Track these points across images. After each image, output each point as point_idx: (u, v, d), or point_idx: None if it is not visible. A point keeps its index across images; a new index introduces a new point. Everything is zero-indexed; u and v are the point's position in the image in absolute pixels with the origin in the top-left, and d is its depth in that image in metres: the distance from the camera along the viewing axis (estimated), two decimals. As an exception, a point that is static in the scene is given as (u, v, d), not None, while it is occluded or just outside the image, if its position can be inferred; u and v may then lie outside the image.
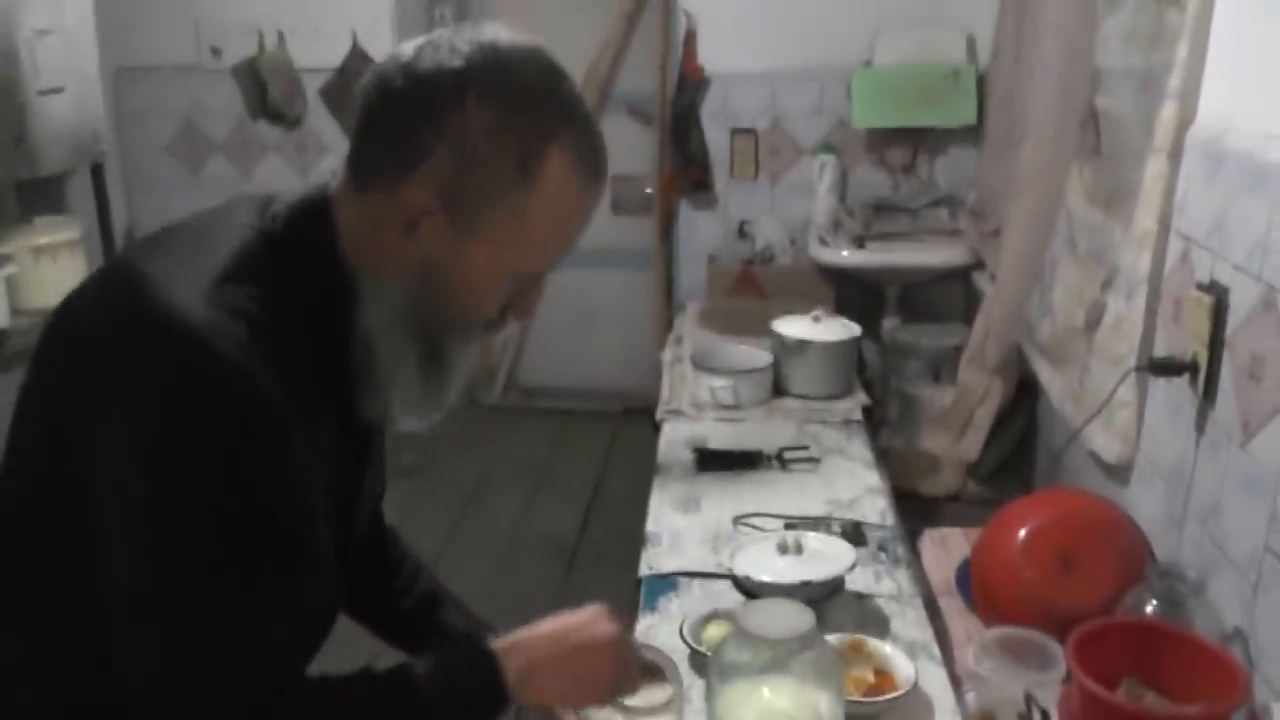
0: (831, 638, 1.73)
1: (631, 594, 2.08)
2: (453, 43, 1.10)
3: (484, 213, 1.10)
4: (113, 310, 1.08)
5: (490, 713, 1.21)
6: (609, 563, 3.52)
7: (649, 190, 4.80)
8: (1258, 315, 1.80)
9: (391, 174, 1.09)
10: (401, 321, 1.13)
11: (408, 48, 1.12)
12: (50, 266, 3.60)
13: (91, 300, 1.13)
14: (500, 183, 1.09)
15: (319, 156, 4.90)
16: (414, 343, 1.15)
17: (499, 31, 1.12)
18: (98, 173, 4.13)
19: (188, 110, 4.97)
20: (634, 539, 2.27)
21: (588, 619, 1.29)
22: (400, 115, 1.09)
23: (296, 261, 1.12)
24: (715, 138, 4.58)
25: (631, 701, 1.34)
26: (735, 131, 4.58)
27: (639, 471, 2.68)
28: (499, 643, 1.24)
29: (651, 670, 1.35)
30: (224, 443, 1.03)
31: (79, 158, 3.95)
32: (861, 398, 2.95)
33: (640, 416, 4.38)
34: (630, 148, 4.71)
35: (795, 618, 1.44)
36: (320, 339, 1.13)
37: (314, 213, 1.14)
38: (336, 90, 4.78)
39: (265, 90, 4.80)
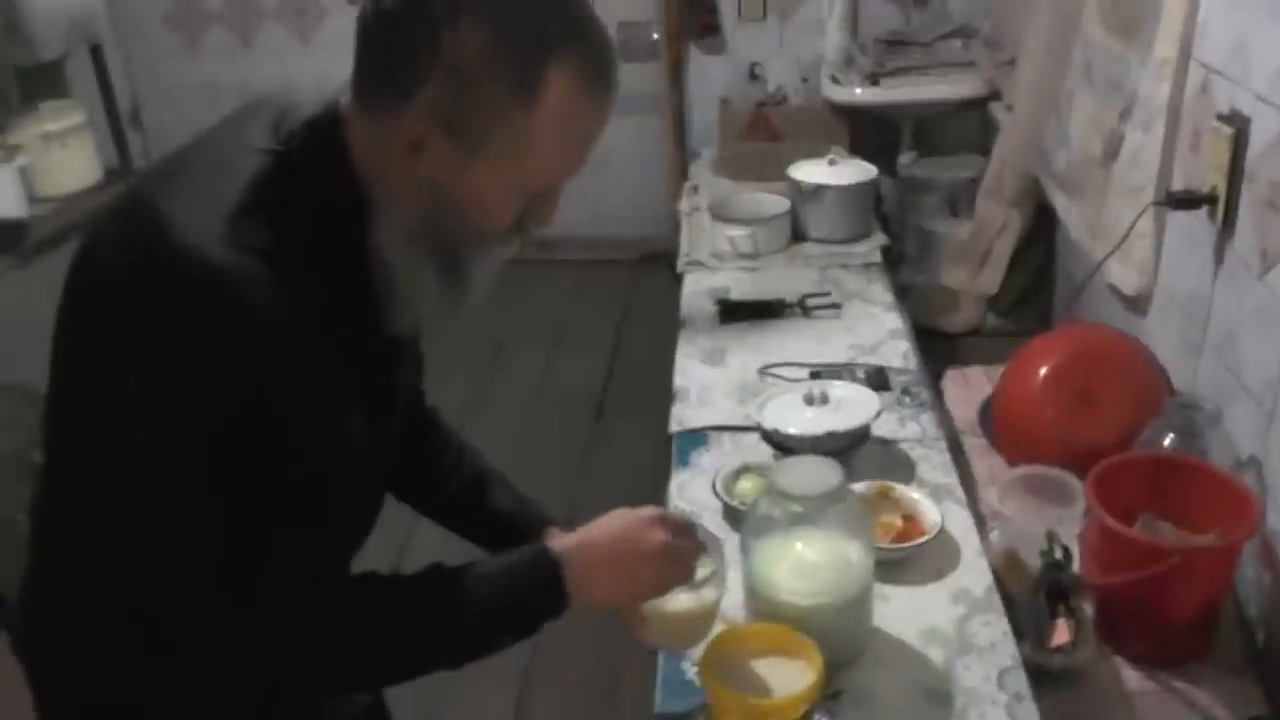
0: (859, 486, 1.79)
1: (662, 447, 2.14)
2: None
3: (486, 132, 1.09)
4: (134, 257, 1.09)
5: (549, 615, 1.25)
6: (635, 414, 3.58)
7: (656, 36, 4.72)
8: (1278, 145, 1.80)
9: (393, 97, 1.08)
10: (416, 238, 1.14)
11: None
12: (60, 152, 3.60)
13: (112, 244, 1.14)
14: (499, 102, 1.07)
15: (319, 21, 4.82)
16: (430, 258, 1.16)
17: None
18: (97, 54, 4.09)
19: (182, -20, 4.89)
20: (659, 389, 2.31)
21: (644, 525, 1.31)
22: (396, 38, 1.08)
23: (312, 184, 1.12)
24: (721, -22, 4.49)
25: None
26: (742, -30, 4.49)
27: (660, 320, 2.70)
28: (560, 545, 1.27)
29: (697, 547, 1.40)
30: (250, 384, 1.04)
31: (77, 40, 3.91)
32: (880, 239, 2.95)
33: (657, 264, 4.40)
34: (635, -8, 4.61)
35: (825, 474, 1.49)
36: (341, 259, 1.13)
37: (327, 132, 1.13)
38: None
39: (260, -48, 4.72)
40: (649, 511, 1.33)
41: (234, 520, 1.08)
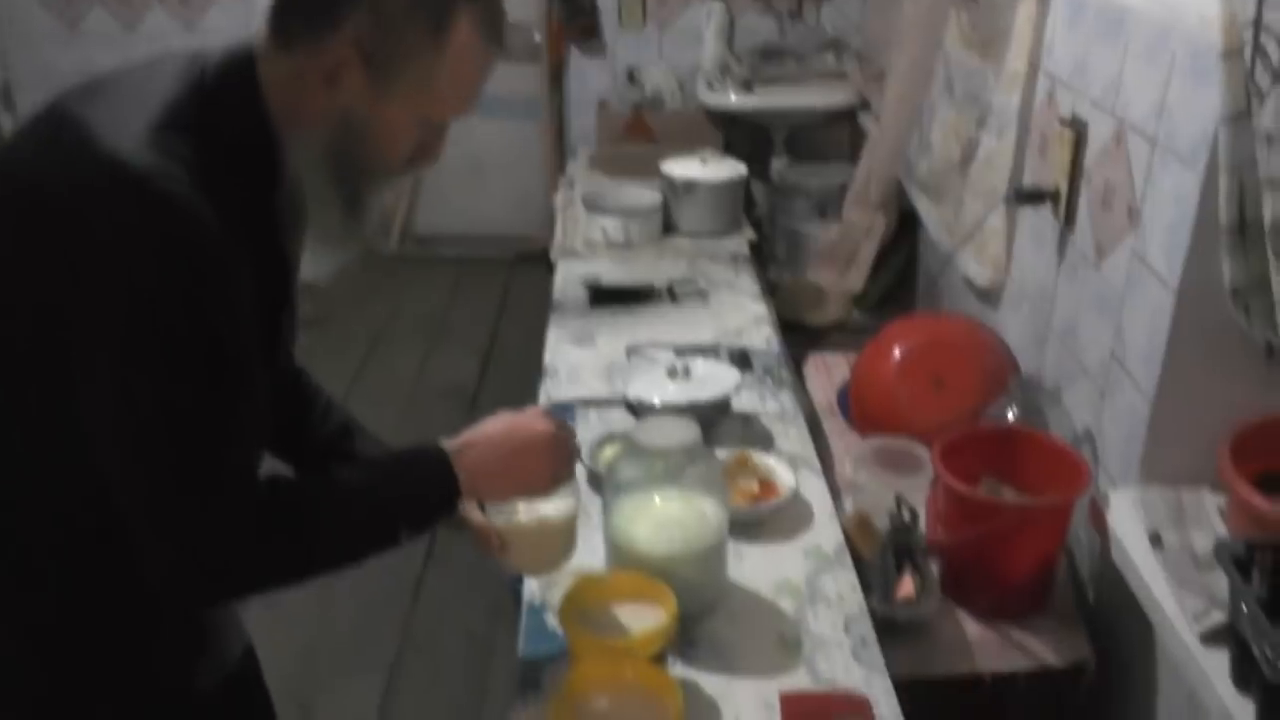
0: (719, 453, 1.86)
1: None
2: None
3: (400, 67, 1.18)
4: (57, 160, 1.12)
5: (443, 509, 1.33)
6: (509, 404, 3.60)
7: (538, 38, 4.78)
8: (1110, 149, 1.93)
9: (315, 32, 1.16)
10: (324, 167, 1.22)
11: None
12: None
13: (30, 151, 1.17)
14: (415, 41, 1.18)
15: (205, 8, 4.76)
16: (335, 185, 1.23)
17: None
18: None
19: (62, -41, 4.79)
20: (531, 382, 2.35)
21: (528, 419, 1.39)
22: None
23: (225, 113, 1.18)
24: (603, -13, 4.57)
25: None
26: (623, -20, 4.58)
27: (535, 317, 2.75)
28: (450, 443, 1.34)
29: None
30: (183, 278, 1.09)
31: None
32: (749, 234, 3.05)
33: (534, 262, 4.45)
34: (518, -4, 4.68)
35: (682, 431, 1.55)
36: (247, 186, 1.19)
37: (240, 68, 1.20)
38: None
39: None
40: (531, 409, 1.42)
41: (175, 417, 1.12)
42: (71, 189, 1.10)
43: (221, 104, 1.18)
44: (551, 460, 1.38)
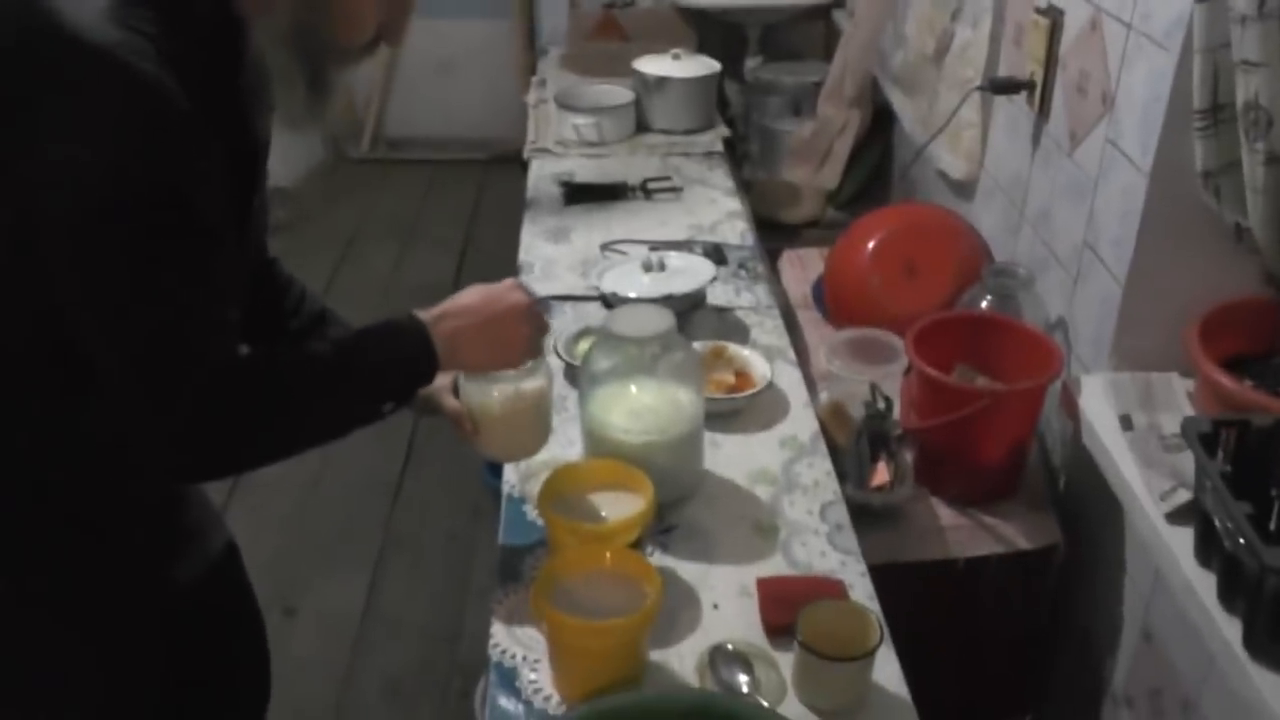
0: (695, 346, 1.87)
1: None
2: None
3: None
4: (18, 35, 1.10)
5: (422, 377, 1.33)
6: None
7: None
8: (1085, 35, 1.92)
9: None
10: (288, 45, 1.19)
11: None
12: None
13: None
14: None
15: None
16: (299, 62, 1.21)
17: None
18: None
19: None
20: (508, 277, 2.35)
21: (503, 289, 1.40)
22: None
23: None
24: (570, -123, 4.46)
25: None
26: None
27: (509, 217, 2.74)
28: (426, 314, 1.34)
29: None
30: (153, 150, 1.08)
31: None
32: (722, 130, 3.02)
33: (507, 164, 4.42)
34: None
35: (657, 318, 1.56)
36: (212, 66, 1.18)
37: None
38: None
39: None
40: (505, 281, 1.42)
41: (149, 285, 1.12)
42: (33, 65, 1.08)
43: None
44: (526, 330, 1.39)
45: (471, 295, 1.39)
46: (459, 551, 2.90)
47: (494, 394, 1.44)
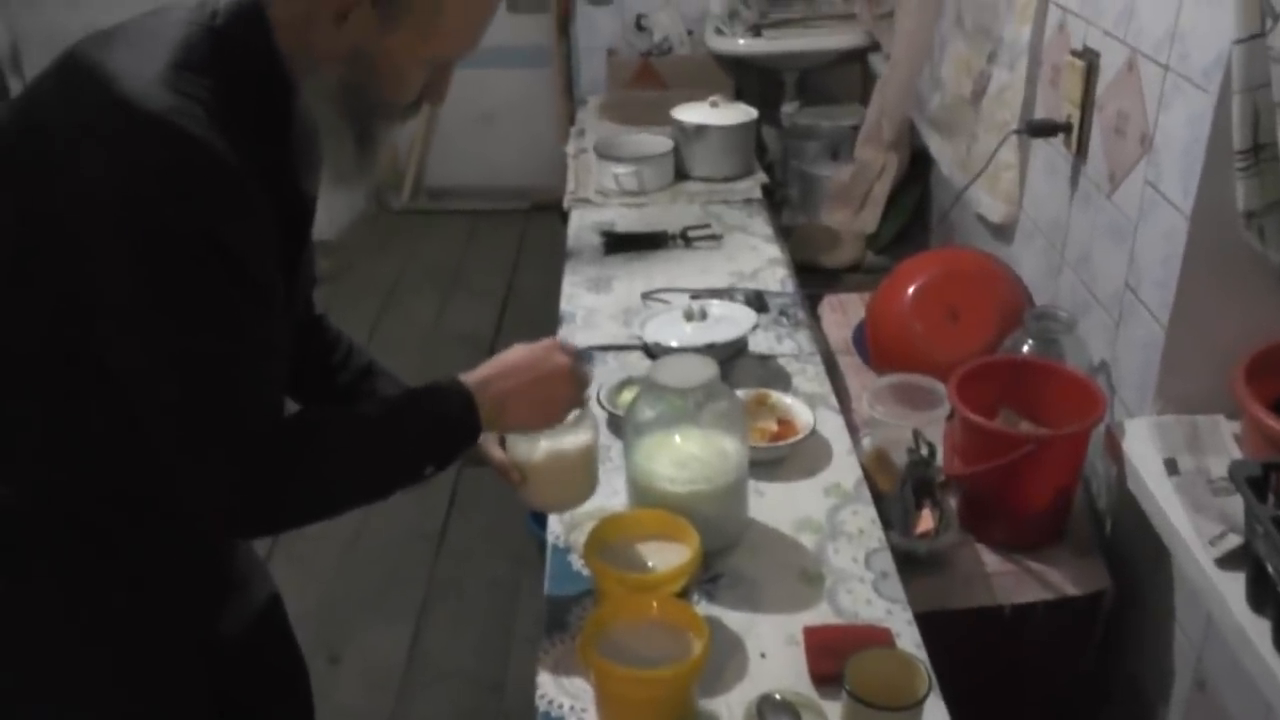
0: (738, 393, 1.87)
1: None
2: None
3: (407, 8, 1.20)
4: (78, 101, 1.15)
5: (465, 442, 1.36)
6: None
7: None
8: (1123, 76, 1.92)
9: None
10: (336, 103, 1.24)
11: None
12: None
13: (47, 97, 1.19)
14: None
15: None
16: (348, 120, 1.25)
17: None
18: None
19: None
20: (548, 329, 2.37)
21: (545, 350, 1.43)
22: None
23: (238, 53, 1.20)
24: (608, -69, 4.53)
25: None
26: (628, -77, 4.54)
27: (550, 266, 2.77)
28: (471, 378, 1.37)
29: None
30: (202, 212, 1.11)
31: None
32: (761, 177, 3.04)
33: (547, 213, 4.47)
34: (524, -55, 4.65)
35: (701, 368, 1.57)
36: (262, 127, 1.22)
37: (250, 10, 1.21)
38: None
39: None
40: (546, 340, 1.46)
41: (198, 348, 1.15)
42: (87, 131, 1.12)
43: (234, 46, 1.20)
44: (569, 390, 1.42)
45: (515, 357, 1.42)
46: (503, 600, 2.91)
47: (541, 447, 1.46)
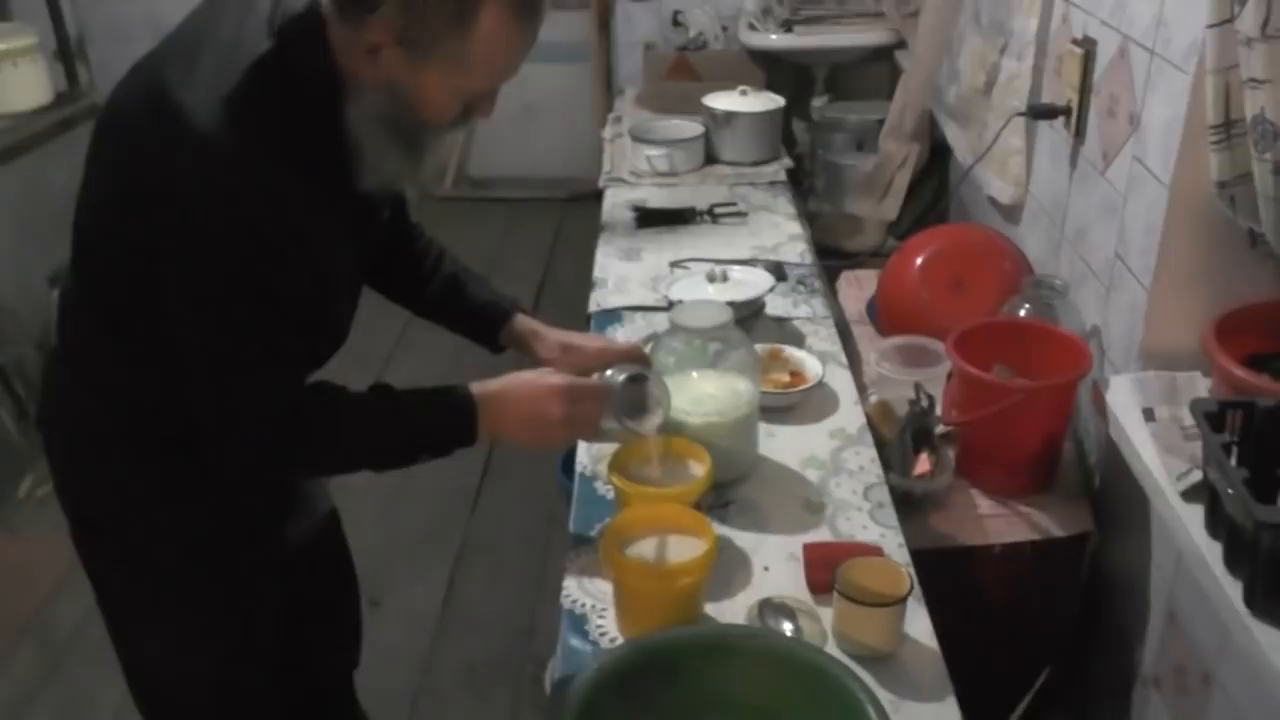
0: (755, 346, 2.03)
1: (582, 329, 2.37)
2: None
3: (430, 48, 1.29)
4: (149, 126, 1.31)
5: (459, 445, 1.54)
6: (563, 331, 3.80)
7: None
8: (1115, 62, 2.08)
9: (358, 12, 1.28)
10: (378, 123, 1.36)
11: None
12: (12, 71, 3.73)
13: (130, 114, 1.35)
14: (441, 27, 1.28)
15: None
16: (391, 138, 1.37)
17: None
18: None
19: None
20: (582, 313, 2.51)
21: (536, 374, 1.61)
22: None
23: (301, 72, 1.33)
24: (648, -71, 4.71)
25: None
26: (667, -78, 4.72)
27: (585, 252, 2.91)
28: (481, 391, 1.55)
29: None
30: (243, 233, 1.29)
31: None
32: (786, 161, 3.20)
33: (584, 202, 4.62)
34: (565, -57, 4.84)
35: (717, 312, 1.74)
36: (324, 129, 1.35)
37: (312, 28, 1.32)
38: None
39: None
40: (543, 369, 1.65)
41: (237, 327, 1.34)
42: (157, 153, 1.29)
43: (296, 60, 1.32)
44: (563, 408, 1.57)
45: (515, 385, 1.58)
46: (534, 554, 3.08)
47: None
